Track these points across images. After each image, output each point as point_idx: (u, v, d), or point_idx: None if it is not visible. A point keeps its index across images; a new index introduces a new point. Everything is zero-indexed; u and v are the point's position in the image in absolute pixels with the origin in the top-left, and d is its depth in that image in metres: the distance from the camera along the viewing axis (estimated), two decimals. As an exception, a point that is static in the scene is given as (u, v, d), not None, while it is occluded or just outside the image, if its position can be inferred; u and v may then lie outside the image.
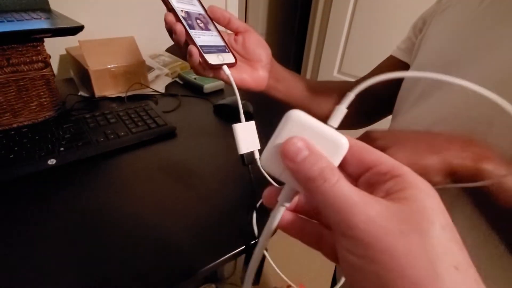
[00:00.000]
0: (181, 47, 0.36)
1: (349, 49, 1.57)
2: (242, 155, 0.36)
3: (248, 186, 0.51)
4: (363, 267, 0.13)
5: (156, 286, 0.34)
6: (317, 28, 1.71)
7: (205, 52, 0.34)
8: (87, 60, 0.71)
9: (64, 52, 0.85)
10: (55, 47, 0.81)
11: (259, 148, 0.36)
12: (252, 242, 0.40)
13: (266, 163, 0.17)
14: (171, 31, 0.36)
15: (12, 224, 0.40)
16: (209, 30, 0.37)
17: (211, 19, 0.39)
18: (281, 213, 0.18)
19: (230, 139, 0.64)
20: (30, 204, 0.44)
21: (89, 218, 0.42)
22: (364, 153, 0.16)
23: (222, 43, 0.38)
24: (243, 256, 0.41)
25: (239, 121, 0.75)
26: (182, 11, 0.35)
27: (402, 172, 0.14)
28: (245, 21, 2.18)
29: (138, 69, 0.78)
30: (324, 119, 0.58)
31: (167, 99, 0.80)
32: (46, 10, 0.72)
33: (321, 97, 0.52)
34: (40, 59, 0.59)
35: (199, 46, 0.34)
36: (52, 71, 0.62)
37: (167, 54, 0.98)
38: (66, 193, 0.46)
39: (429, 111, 0.37)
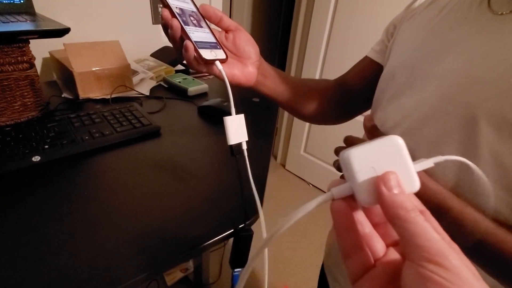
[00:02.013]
0: (176, 43, 0.38)
1: (330, 56, 1.64)
2: (231, 146, 0.37)
3: (233, 176, 0.53)
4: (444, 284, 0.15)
5: (145, 268, 0.36)
6: (298, 35, 1.78)
7: (199, 48, 0.36)
8: (71, 62, 0.72)
9: (47, 55, 0.85)
10: (38, 51, 0.81)
11: (247, 139, 0.38)
12: (241, 226, 0.43)
13: (351, 164, 0.18)
14: (166, 27, 0.37)
15: (4, 217, 0.41)
16: (201, 27, 0.39)
17: (203, 17, 0.40)
18: (324, 198, 0.19)
19: (214, 138, 0.67)
20: (14, 200, 0.44)
21: (76, 212, 0.43)
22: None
23: (214, 40, 0.40)
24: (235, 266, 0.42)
25: (225, 118, 0.77)
26: (176, 7, 0.37)
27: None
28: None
29: (123, 72, 0.79)
30: (307, 117, 0.59)
31: (152, 101, 0.81)
32: (31, 13, 0.73)
33: (304, 96, 0.55)
34: (25, 59, 0.60)
35: (194, 41, 0.36)
36: (36, 72, 0.63)
37: (152, 59, 1.00)
38: (51, 189, 0.47)
39: (401, 108, 0.41)
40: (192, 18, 0.38)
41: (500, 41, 0.31)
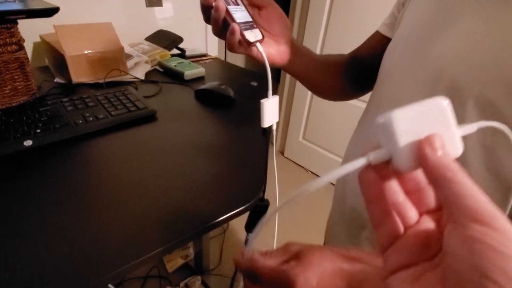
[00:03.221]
0: (218, 25, 0.36)
1: (328, 41, 1.61)
2: (264, 128, 0.38)
3: (231, 158, 0.52)
4: (491, 243, 0.14)
5: (154, 244, 0.35)
6: (296, 22, 1.74)
7: (243, 30, 0.35)
8: (63, 46, 0.70)
9: (38, 40, 0.82)
10: (28, 35, 0.78)
11: (277, 121, 0.39)
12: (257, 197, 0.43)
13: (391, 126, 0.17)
14: (208, 8, 0.35)
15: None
16: (238, 5, 0.37)
17: None
18: (360, 163, 0.18)
19: (212, 121, 0.65)
20: (6, 184, 0.43)
21: (72, 196, 0.42)
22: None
23: (250, 19, 0.38)
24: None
25: (223, 105, 0.76)
26: None
27: None
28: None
29: (116, 55, 0.77)
30: (326, 93, 0.59)
31: (148, 85, 0.79)
32: (18, -6, 0.70)
33: (324, 72, 0.54)
34: (14, 41, 0.57)
35: (238, 23, 0.34)
36: (26, 54, 0.61)
37: (147, 42, 0.97)
38: (44, 173, 0.46)
39: (396, 82, 0.40)
40: None
41: (502, 20, 0.30)
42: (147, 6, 1.04)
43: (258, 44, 0.36)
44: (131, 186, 0.44)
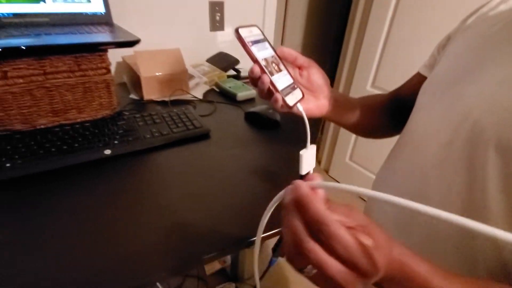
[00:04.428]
0: (263, 93, 0.41)
1: (384, 63, 1.58)
2: (301, 175, 0.41)
3: (273, 183, 0.57)
4: None
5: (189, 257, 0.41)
6: (352, 41, 1.74)
7: (285, 96, 0.40)
8: (140, 68, 0.82)
9: (120, 60, 0.97)
10: (113, 55, 0.93)
11: (314, 167, 0.42)
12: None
13: None
14: (256, 79, 0.40)
15: (80, 197, 0.50)
16: (281, 70, 0.42)
17: (280, 58, 0.43)
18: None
19: (258, 144, 0.71)
20: (92, 186, 0.53)
21: (137, 198, 0.51)
22: None
23: (291, 80, 0.43)
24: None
25: (270, 128, 0.81)
26: (263, 59, 0.39)
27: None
28: (282, 36, 2.26)
29: (181, 77, 0.88)
30: (367, 133, 0.63)
31: (204, 104, 0.88)
32: (109, 23, 0.84)
33: (364, 116, 0.57)
34: (103, 66, 0.70)
35: (280, 91, 0.39)
36: (112, 76, 0.73)
37: (207, 64, 1.08)
38: (118, 177, 0.56)
39: (429, 119, 0.42)
40: (273, 64, 0.41)
41: None
42: (210, 31, 1.15)
43: (298, 105, 0.41)
44: (182, 198, 0.52)
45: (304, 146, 0.40)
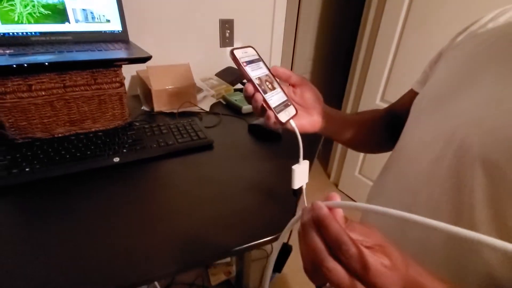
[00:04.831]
0: (257, 110, 0.43)
1: (393, 78, 1.59)
2: (294, 189, 0.43)
3: (273, 192, 0.59)
4: None
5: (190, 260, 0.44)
6: (362, 55, 1.76)
7: (277, 112, 0.42)
8: (151, 81, 0.88)
9: (135, 74, 1.04)
10: (128, 70, 1.00)
11: (307, 181, 0.43)
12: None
13: None
14: (250, 97, 0.42)
15: (89, 200, 0.54)
16: (275, 88, 0.44)
17: (274, 77, 0.45)
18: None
19: (260, 155, 0.74)
20: (101, 190, 0.58)
21: (141, 203, 0.54)
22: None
23: (285, 98, 0.45)
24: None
25: (271, 140, 0.83)
26: (256, 78, 0.41)
27: None
28: (293, 50, 2.31)
29: (189, 90, 0.93)
30: (362, 148, 0.64)
31: (211, 116, 0.93)
32: (125, 41, 0.91)
33: (359, 132, 0.59)
34: (117, 80, 0.76)
35: (273, 108, 0.41)
36: (125, 90, 0.79)
37: (216, 78, 1.13)
38: (126, 183, 0.60)
39: (420, 135, 0.43)
40: (267, 83, 0.43)
41: None
42: (220, 47, 1.21)
43: (291, 121, 0.43)
44: (184, 205, 0.55)
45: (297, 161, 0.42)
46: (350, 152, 1.95)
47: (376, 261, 0.24)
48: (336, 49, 2.55)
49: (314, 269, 0.26)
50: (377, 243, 0.26)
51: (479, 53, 0.39)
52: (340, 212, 0.28)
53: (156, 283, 1.36)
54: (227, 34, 1.19)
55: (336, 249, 0.25)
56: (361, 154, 1.87)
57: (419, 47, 1.42)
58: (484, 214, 0.32)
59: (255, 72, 0.42)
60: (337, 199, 0.28)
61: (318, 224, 0.26)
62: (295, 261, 0.50)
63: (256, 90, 0.41)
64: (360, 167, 1.91)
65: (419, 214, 0.40)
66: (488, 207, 0.32)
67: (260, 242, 0.48)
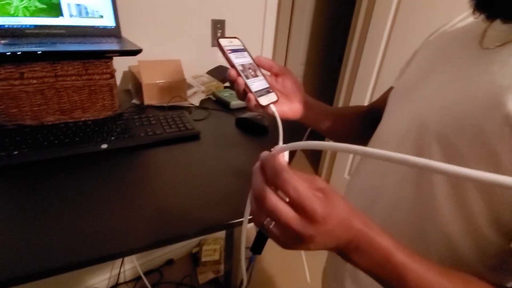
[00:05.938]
0: (240, 93, 0.46)
1: (381, 81, 1.63)
2: None
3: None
4: None
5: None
6: (351, 59, 1.81)
7: (258, 96, 0.45)
8: (142, 76, 0.90)
9: (127, 69, 1.06)
10: (121, 65, 1.03)
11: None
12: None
13: None
14: (232, 82, 0.46)
15: (75, 184, 0.56)
16: (257, 76, 0.47)
17: (258, 66, 0.49)
18: None
19: (245, 146, 0.76)
20: (87, 173, 0.59)
21: (126, 185, 0.56)
22: None
23: (267, 85, 0.48)
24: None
25: (258, 133, 0.85)
26: (239, 65, 0.44)
27: None
28: (286, 54, 2.36)
29: (180, 85, 0.95)
30: (344, 138, 0.67)
31: (200, 111, 0.95)
32: (118, 36, 0.94)
33: (342, 123, 0.62)
34: (108, 71, 0.78)
35: (254, 92, 0.44)
36: (115, 81, 0.81)
37: (207, 75, 1.16)
38: (113, 168, 0.62)
39: (388, 125, 0.46)
40: (250, 70, 0.46)
41: (463, 75, 0.36)
42: (212, 46, 1.24)
43: (271, 106, 0.45)
44: (168, 186, 0.57)
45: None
46: (340, 154, 1.99)
47: (307, 188, 0.26)
48: (329, 54, 2.60)
49: (256, 207, 0.29)
50: (319, 187, 0.28)
51: (443, 48, 0.44)
52: (284, 160, 0.29)
53: (145, 280, 1.36)
54: (219, 34, 1.22)
55: (273, 178, 0.27)
56: (350, 156, 1.90)
57: (404, 53, 1.47)
58: (444, 190, 0.35)
59: (239, 59, 0.45)
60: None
61: (262, 166, 0.29)
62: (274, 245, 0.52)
63: (239, 75, 0.44)
64: (350, 168, 1.95)
65: (386, 193, 0.44)
66: (446, 182, 0.35)
67: (241, 220, 0.50)
